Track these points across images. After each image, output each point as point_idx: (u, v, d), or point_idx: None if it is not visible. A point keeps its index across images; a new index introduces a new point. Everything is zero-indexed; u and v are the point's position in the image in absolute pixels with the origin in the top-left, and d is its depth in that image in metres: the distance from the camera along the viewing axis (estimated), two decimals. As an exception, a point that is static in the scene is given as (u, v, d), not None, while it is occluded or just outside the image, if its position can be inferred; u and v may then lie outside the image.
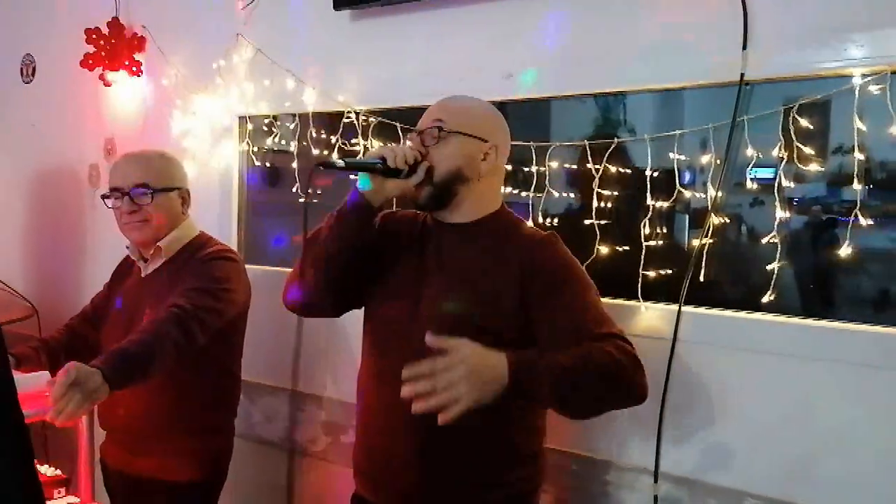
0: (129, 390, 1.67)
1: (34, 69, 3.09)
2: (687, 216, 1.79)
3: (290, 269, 1.60)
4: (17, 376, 1.54)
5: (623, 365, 1.31)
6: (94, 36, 2.64)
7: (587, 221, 1.80)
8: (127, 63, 2.64)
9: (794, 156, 1.56)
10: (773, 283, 1.59)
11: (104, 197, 1.91)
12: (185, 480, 1.85)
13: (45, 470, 1.61)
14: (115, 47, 2.65)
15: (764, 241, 1.60)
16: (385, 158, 1.42)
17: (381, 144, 2.06)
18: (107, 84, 2.69)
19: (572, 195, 1.91)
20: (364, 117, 2.14)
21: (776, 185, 1.59)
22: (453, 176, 1.47)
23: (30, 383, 1.56)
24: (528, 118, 2.06)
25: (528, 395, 1.27)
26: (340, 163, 1.44)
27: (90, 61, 2.66)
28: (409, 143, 1.53)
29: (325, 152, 2.25)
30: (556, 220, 1.89)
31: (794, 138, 1.56)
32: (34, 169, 3.10)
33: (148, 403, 1.82)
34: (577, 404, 1.32)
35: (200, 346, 1.73)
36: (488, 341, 1.27)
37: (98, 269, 2.67)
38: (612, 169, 1.78)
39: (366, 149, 2.13)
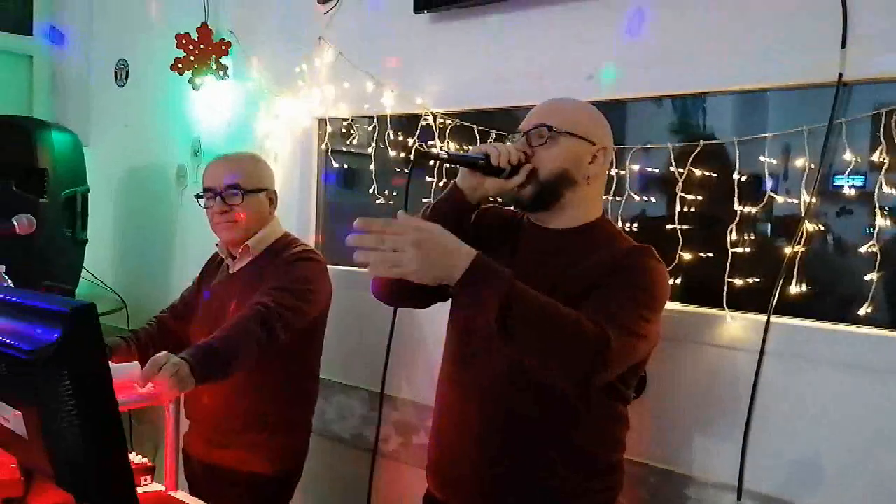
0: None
1: (127, 73, 3.23)
2: (770, 223, 1.72)
3: (364, 270, 1.61)
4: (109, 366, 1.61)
5: (587, 339, 1.20)
6: (183, 41, 2.75)
7: (669, 227, 1.75)
8: (214, 67, 2.73)
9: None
10: (871, 294, 1.50)
11: (197, 196, 1.99)
12: (263, 473, 1.89)
13: (134, 458, 1.67)
14: (203, 52, 2.74)
15: (862, 249, 1.52)
16: (489, 155, 1.40)
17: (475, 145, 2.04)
18: (195, 87, 2.80)
19: (653, 199, 1.86)
20: (441, 119, 2.15)
21: (876, 191, 1.50)
22: (559, 177, 1.43)
23: (120, 373, 1.61)
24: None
25: (474, 295, 1.18)
26: (444, 154, 1.44)
27: (180, 65, 2.77)
28: (509, 143, 1.49)
29: (402, 155, 2.26)
30: (636, 225, 1.84)
31: (896, 142, 1.47)
32: (125, 167, 3.25)
33: (231, 398, 1.87)
34: (517, 335, 1.20)
35: (282, 345, 1.77)
36: None
37: (184, 265, 2.77)
38: (697, 173, 1.72)
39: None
